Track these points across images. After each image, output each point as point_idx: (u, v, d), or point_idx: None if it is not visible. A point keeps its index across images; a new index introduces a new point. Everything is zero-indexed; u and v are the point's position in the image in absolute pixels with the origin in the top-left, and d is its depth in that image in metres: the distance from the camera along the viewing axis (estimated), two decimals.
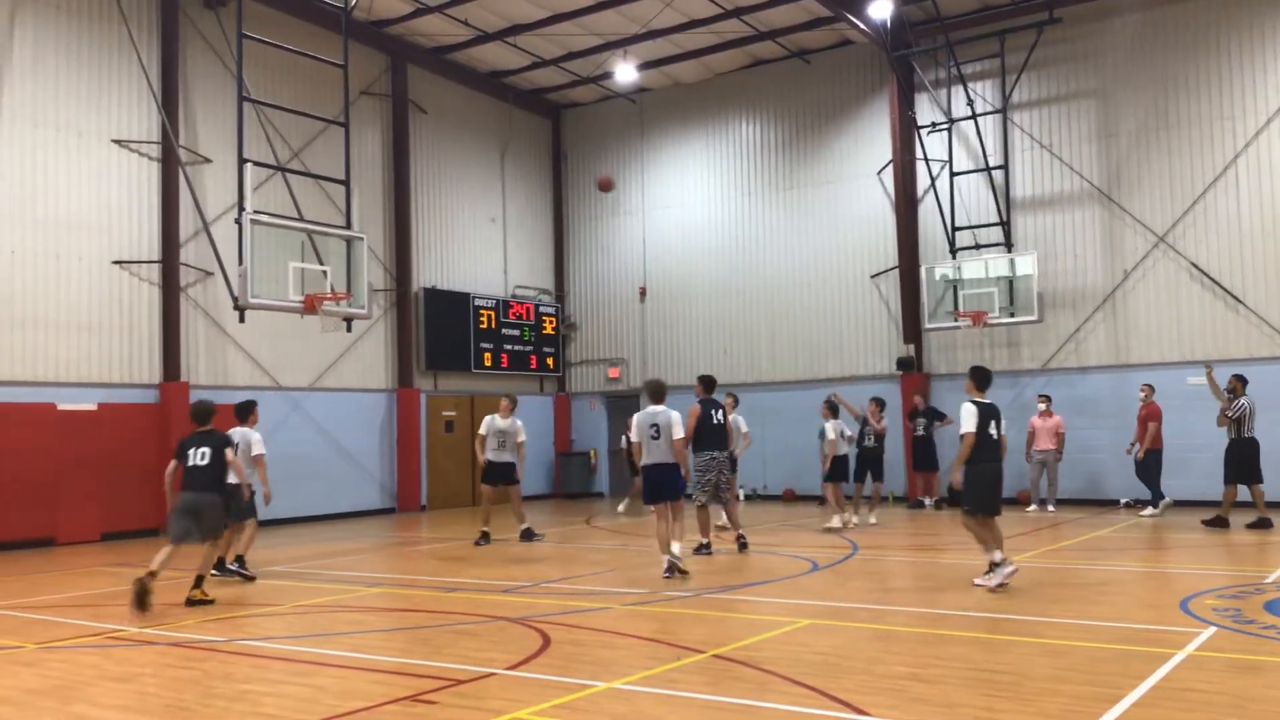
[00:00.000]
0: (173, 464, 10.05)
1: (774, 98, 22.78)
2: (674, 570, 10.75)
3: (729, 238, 23.19)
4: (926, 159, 20.22)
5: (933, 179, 20.11)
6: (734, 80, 23.24)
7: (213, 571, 10.59)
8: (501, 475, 14.54)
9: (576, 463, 24.47)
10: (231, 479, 10.40)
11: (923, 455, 19.19)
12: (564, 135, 25.59)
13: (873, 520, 16.26)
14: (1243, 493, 14.50)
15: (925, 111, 20.77)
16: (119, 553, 14.70)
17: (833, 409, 15.85)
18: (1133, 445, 16.68)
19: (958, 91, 20.13)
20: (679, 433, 11.05)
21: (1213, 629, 7.59)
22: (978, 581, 9.83)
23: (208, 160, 17.97)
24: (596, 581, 10.92)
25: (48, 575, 12.56)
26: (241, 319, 14.72)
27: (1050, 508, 17.42)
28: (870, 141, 21.51)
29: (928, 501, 18.92)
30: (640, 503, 13.00)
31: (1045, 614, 8.37)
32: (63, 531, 15.80)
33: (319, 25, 18.76)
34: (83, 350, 16.42)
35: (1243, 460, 14.35)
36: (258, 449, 11.48)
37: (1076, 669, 6.50)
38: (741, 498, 20.09)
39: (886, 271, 21.14)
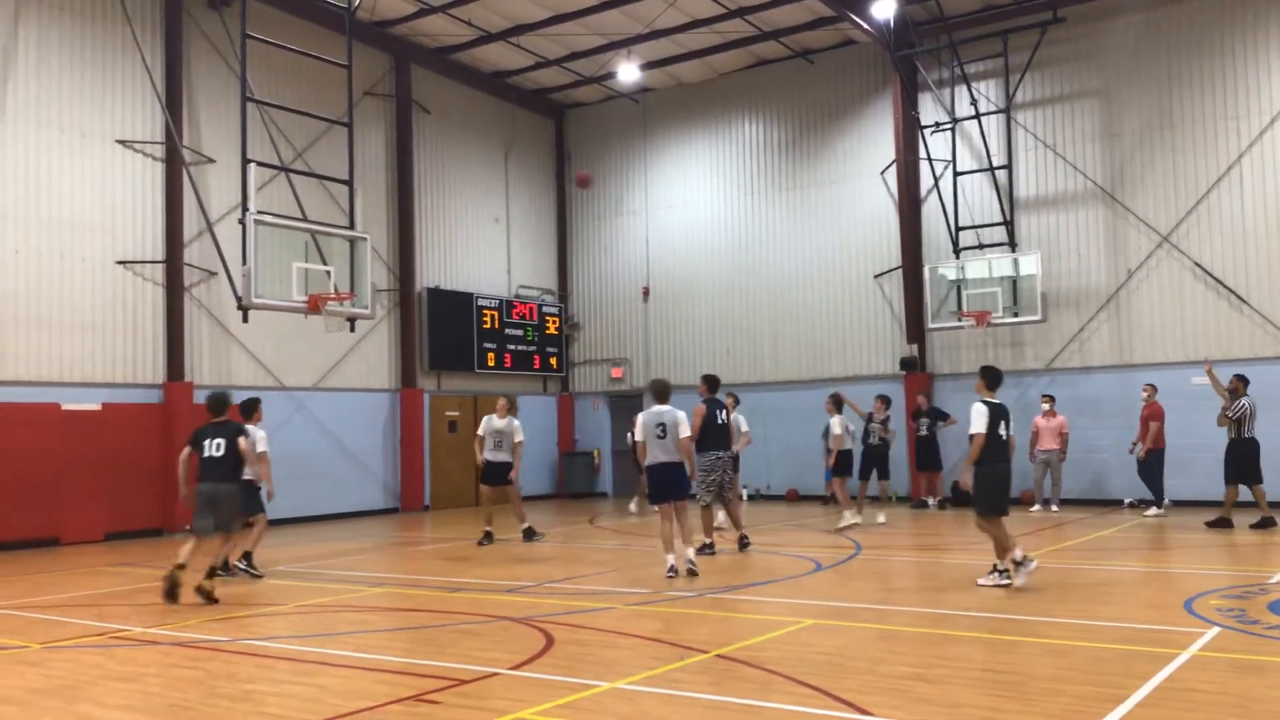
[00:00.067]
0: (186, 450, 10.25)
1: (777, 98, 22.77)
2: (677, 570, 10.76)
3: (732, 238, 23.18)
4: (930, 159, 20.21)
5: (936, 179, 20.10)
6: (737, 80, 23.24)
7: (218, 572, 10.63)
8: (499, 475, 14.56)
9: (580, 463, 24.47)
10: (247, 474, 10.49)
11: (926, 455, 19.18)
12: (567, 135, 25.60)
13: (881, 519, 16.24)
14: (1244, 493, 14.50)
15: (928, 111, 20.76)
16: (123, 553, 14.72)
17: (837, 403, 15.86)
18: (1135, 445, 16.67)
19: (961, 91, 20.12)
20: (686, 432, 11.09)
21: (1217, 629, 7.58)
22: (981, 581, 9.83)
23: (211, 160, 17.99)
24: (600, 581, 10.92)
25: (52, 575, 12.58)
26: (245, 319, 14.73)
27: (1054, 508, 17.40)
28: (873, 141, 21.50)
29: (931, 501, 18.91)
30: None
31: (1049, 614, 8.36)
32: (67, 531, 15.83)
33: (322, 25, 18.80)
34: (87, 350, 16.45)
35: (1243, 460, 14.34)
36: (261, 446, 11.51)
37: (1080, 669, 6.49)
38: (745, 498, 20.09)
39: (890, 271, 21.13)
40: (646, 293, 24.26)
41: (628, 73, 21.91)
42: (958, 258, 19.91)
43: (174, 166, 17.36)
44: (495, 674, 6.72)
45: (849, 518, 15.38)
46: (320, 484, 19.25)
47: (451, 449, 22.02)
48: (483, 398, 22.47)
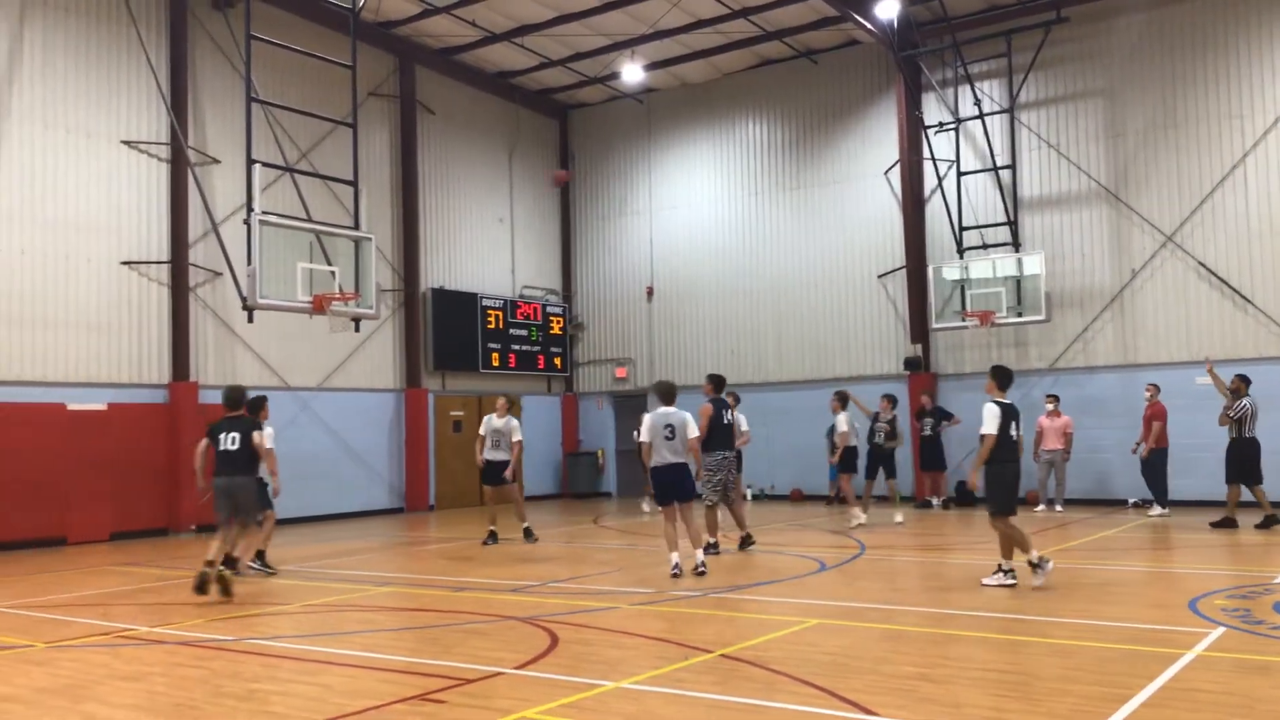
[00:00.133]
0: (204, 443, 10.56)
1: (781, 98, 22.77)
2: (681, 569, 10.78)
3: (736, 238, 23.19)
4: (934, 159, 20.20)
5: (940, 179, 20.09)
6: (741, 80, 23.24)
7: (220, 567, 10.71)
8: (499, 474, 14.59)
9: (584, 463, 24.49)
10: (262, 472, 10.68)
11: (930, 455, 19.17)
12: (571, 136, 25.61)
13: (898, 519, 16.18)
14: (1246, 493, 14.48)
15: (932, 111, 20.75)
16: (128, 552, 14.76)
17: (842, 400, 15.87)
18: (1138, 445, 16.65)
19: (965, 91, 20.11)
20: (694, 433, 11.18)
21: (1221, 629, 7.58)
22: (986, 581, 9.83)
23: (216, 161, 18.02)
24: (604, 581, 10.93)
25: (57, 574, 12.61)
26: (250, 319, 14.76)
27: (1058, 507, 17.39)
28: (877, 141, 21.49)
29: (935, 501, 18.90)
30: None
31: (1054, 614, 8.35)
32: (72, 531, 15.86)
33: (327, 26, 18.83)
34: (92, 350, 16.49)
35: (1243, 460, 14.34)
36: (268, 444, 11.54)
37: (1085, 669, 6.49)
38: (749, 497, 20.10)
39: (893, 271, 21.13)
40: (651, 293, 24.27)
41: (631, 73, 21.91)
42: (961, 258, 19.90)
43: (179, 167, 17.40)
44: (500, 673, 6.73)
45: (860, 515, 15.40)
46: (325, 484, 19.28)
47: (456, 449, 22.04)
48: (487, 398, 22.46)
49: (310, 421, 19.30)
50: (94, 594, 10.94)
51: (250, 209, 13.75)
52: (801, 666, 6.69)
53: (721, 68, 23.09)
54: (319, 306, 14.33)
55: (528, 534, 14.70)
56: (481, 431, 14.71)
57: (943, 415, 19.25)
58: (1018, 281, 19.28)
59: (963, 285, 19.71)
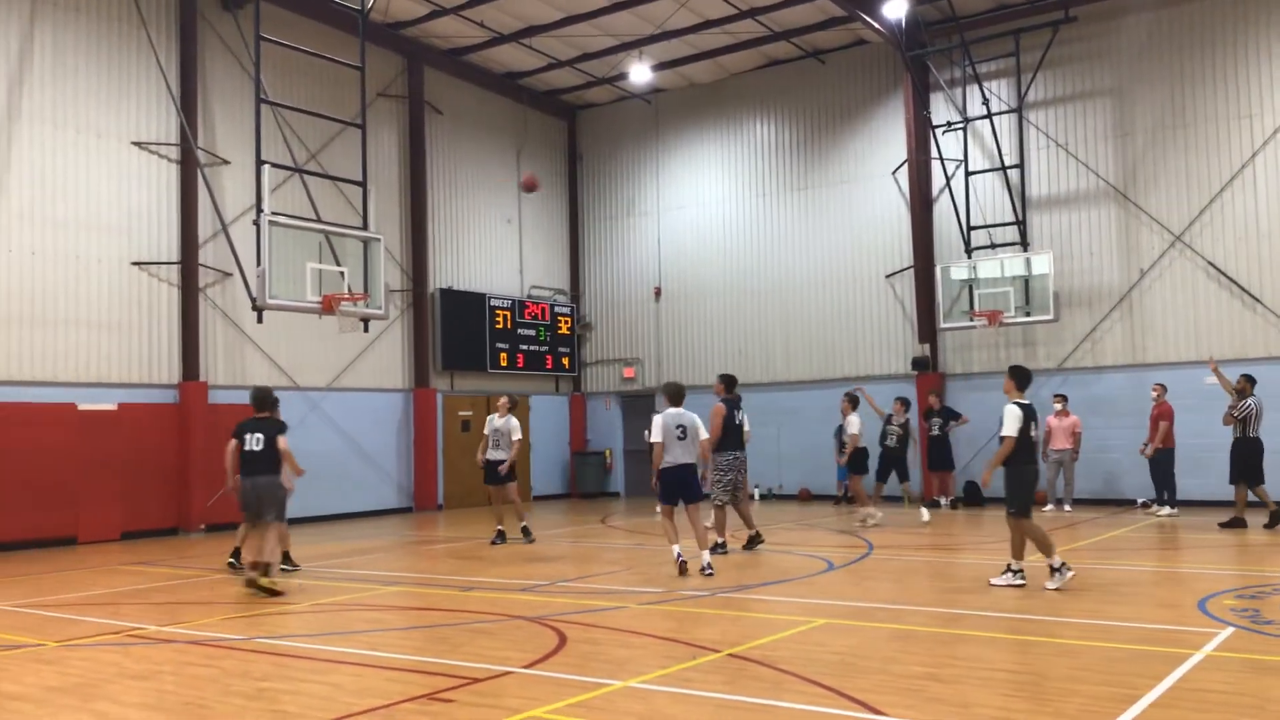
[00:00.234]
0: (232, 443, 10.74)
1: (788, 98, 22.76)
2: (685, 562, 10.81)
3: (743, 238, 23.19)
4: (941, 158, 20.17)
5: (948, 178, 20.07)
6: (748, 80, 23.24)
7: (229, 560, 10.87)
8: (499, 473, 14.61)
9: (592, 462, 24.50)
10: (285, 477, 10.79)
11: (938, 455, 19.13)
12: (579, 136, 25.63)
13: (925, 518, 16.16)
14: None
15: (940, 111, 20.73)
16: (139, 552, 14.82)
17: (853, 402, 15.87)
18: (1145, 445, 16.62)
19: (973, 91, 20.07)
20: (706, 434, 11.30)
21: (1231, 629, 7.56)
22: (994, 581, 9.83)
23: (226, 162, 18.08)
24: (612, 581, 10.95)
25: (68, 574, 12.67)
26: (260, 319, 14.82)
27: (1067, 507, 17.36)
28: (885, 141, 21.48)
29: (944, 501, 18.87)
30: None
31: (1062, 614, 8.35)
32: (83, 530, 15.92)
33: (335, 27, 18.86)
34: (102, 350, 16.55)
35: (1246, 460, 14.31)
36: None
37: (1093, 669, 6.49)
38: (756, 497, 20.11)
39: (901, 271, 21.10)
40: (658, 293, 24.28)
41: (639, 73, 21.92)
42: (969, 257, 19.87)
43: (189, 168, 17.45)
44: (508, 672, 6.75)
45: (875, 514, 15.40)
46: (334, 483, 19.31)
47: (464, 448, 22.03)
48: (495, 397, 22.46)
49: (319, 421, 19.34)
50: (104, 593, 10.98)
51: (260, 209, 13.82)
52: (809, 666, 6.70)
53: (729, 68, 23.09)
54: (328, 307, 14.39)
55: (525, 533, 14.74)
56: (486, 432, 14.76)
57: (950, 415, 19.22)
58: (1026, 281, 19.25)
59: (971, 285, 19.69)
